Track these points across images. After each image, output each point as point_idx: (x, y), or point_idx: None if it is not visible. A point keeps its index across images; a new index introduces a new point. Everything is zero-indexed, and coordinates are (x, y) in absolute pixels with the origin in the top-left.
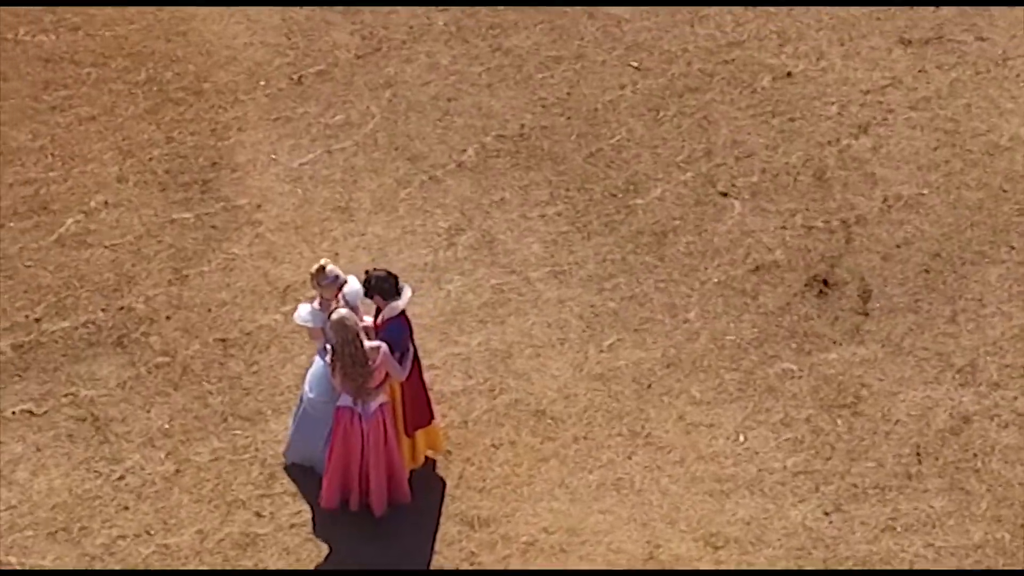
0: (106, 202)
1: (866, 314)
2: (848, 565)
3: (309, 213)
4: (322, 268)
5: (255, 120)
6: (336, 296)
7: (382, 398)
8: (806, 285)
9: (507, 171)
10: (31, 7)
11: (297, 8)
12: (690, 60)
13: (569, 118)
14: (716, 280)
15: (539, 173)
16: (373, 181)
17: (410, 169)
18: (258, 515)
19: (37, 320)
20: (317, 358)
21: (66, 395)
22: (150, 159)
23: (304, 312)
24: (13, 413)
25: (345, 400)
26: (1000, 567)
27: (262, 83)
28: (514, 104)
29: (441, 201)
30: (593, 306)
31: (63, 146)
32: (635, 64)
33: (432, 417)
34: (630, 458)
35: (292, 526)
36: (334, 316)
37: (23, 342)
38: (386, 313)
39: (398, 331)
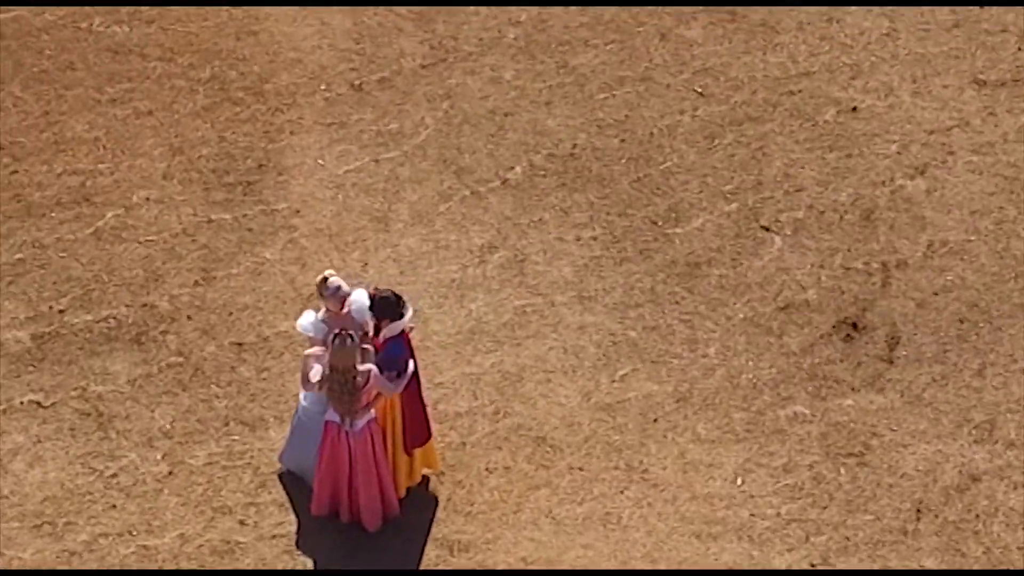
0: (148, 198)
1: (890, 362)
2: None
3: (346, 221)
4: (324, 279)
5: (309, 124)
6: (341, 309)
7: (370, 415)
8: (834, 327)
9: (551, 191)
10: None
11: (372, 13)
12: (756, 89)
13: (623, 141)
14: (742, 316)
15: (583, 195)
16: (415, 193)
17: (454, 183)
18: (242, 523)
19: (61, 311)
20: (316, 366)
21: (76, 389)
22: (199, 157)
23: (306, 321)
24: (21, 403)
25: (333, 415)
26: None
27: (323, 87)
28: (570, 123)
29: (480, 218)
30: (613, 334)
31: (116, 139)
32: (699, 89)
33: (430, 435)
34: (622, 492)
35: (273, 537)
36: (335, 342)
37: (43, 332)
38: (387, 332)
39: (398, 350)
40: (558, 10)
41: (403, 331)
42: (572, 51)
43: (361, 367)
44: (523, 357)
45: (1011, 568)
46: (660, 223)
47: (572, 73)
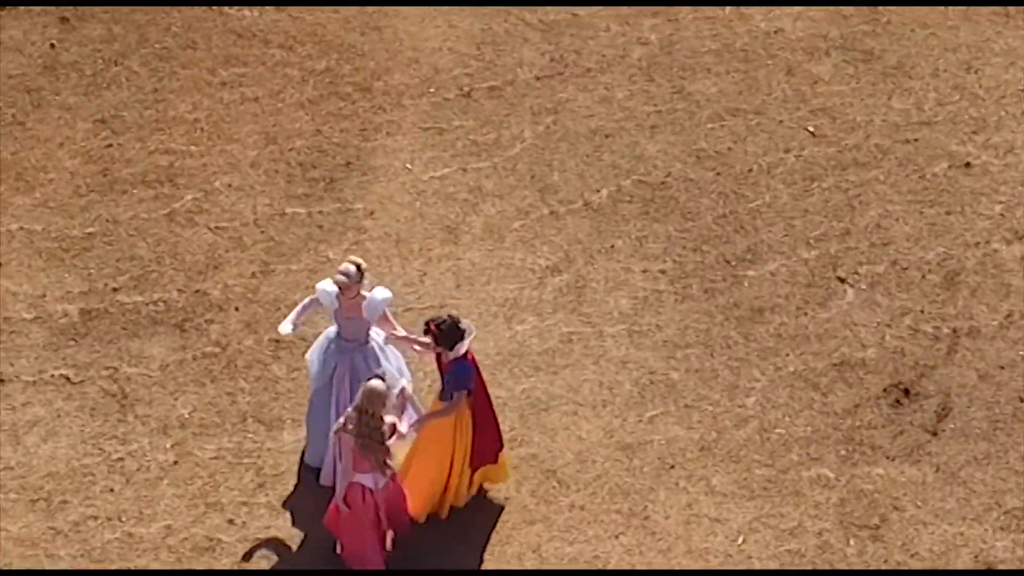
0: (230, 184)
1: (935, 433)
2: None
3: (417, 228)
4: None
5: (408, 126)
6: (355, 295)
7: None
8: (884, 391)
9: (632, 219)
10: None
11: (502, 20)
12: (870, 133)
13: (719, 174)
14: (792, 369)
15: (662, 226)
16: (494, 206)
17: (535, 200)
18: (231, 522)
19: (115, 290)
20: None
21: (108, 368)
22: (290, 149)
23: (321, 285)
24: (52, 376)
25: (360, 477)
26: None
27: (432, 90)
28: (670, 151)
29: (551, 238)
30: (653, 373)
31: (215, 123)
32: (811, 129)
33: (501, 446)
34: (616, 537)
35: (256, 539)
36: (368, 383)
37: (93, 308)
38: (451, 354)
39: (466, 371)
40: (689, 33)
41: (467, 351)
42: (692, 77)
43: (386, 418)
44: (556, 386)
45: None
46: (733, 263)
47: (686, 99)
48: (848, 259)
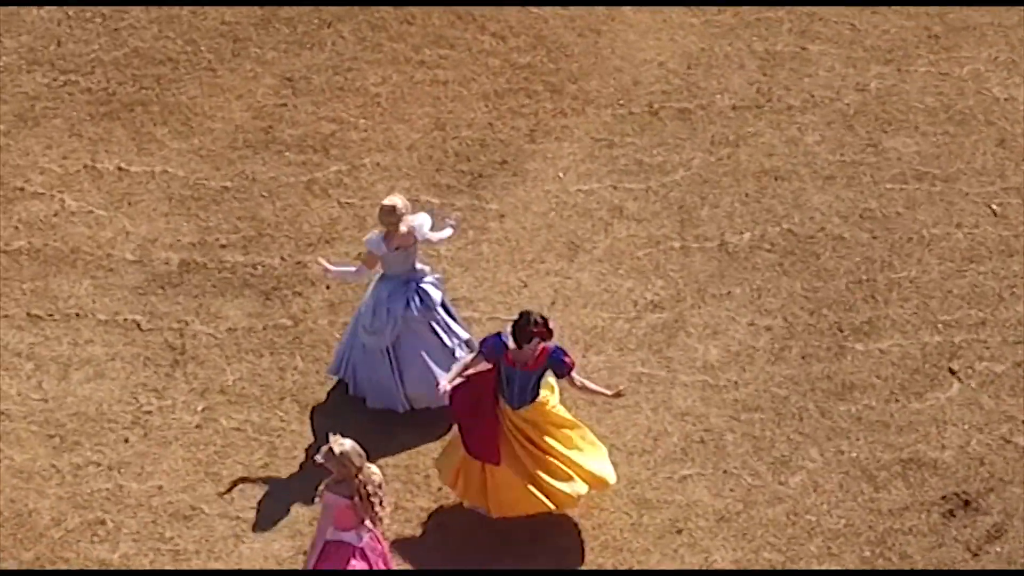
0: (378, 164)
1: (975, 554)
2: None
3: (540, 238)
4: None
5: (581, 134)
6: (397, 230)
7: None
8: (943, 499)
9: (762, 268)
10: None
11: (727, 43)
12: None
13: (875, 237)
14: (854, 455)
15: (791, 281)
16: (627, 230)
17: (672, 231)
18: (219, 495)
19: (223, 247)
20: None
21: (180, 322)
22: (454, 138)
23: (369, 236)
24: (124, 319)
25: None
26: None
27: (621, 102)
28: (835, 204)
29: (669, 273)
30: (708, 431)
31: (395, 100)
32: (995, 207)
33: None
34: None
35: (236, 518)
36: (330, 448)
37: (192, 261)
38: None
39: (563, 352)
40: (913, 87)
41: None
42: (894, 132)
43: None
44: (602, 425)
45: None
46: (846, 332)
47: (878, 154)
48: (970, 352)
